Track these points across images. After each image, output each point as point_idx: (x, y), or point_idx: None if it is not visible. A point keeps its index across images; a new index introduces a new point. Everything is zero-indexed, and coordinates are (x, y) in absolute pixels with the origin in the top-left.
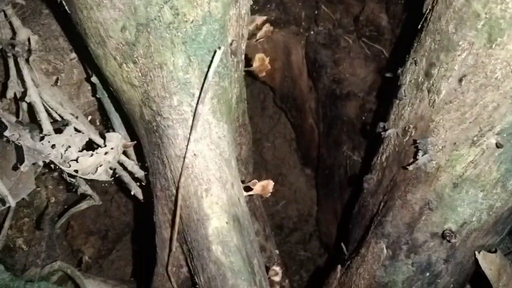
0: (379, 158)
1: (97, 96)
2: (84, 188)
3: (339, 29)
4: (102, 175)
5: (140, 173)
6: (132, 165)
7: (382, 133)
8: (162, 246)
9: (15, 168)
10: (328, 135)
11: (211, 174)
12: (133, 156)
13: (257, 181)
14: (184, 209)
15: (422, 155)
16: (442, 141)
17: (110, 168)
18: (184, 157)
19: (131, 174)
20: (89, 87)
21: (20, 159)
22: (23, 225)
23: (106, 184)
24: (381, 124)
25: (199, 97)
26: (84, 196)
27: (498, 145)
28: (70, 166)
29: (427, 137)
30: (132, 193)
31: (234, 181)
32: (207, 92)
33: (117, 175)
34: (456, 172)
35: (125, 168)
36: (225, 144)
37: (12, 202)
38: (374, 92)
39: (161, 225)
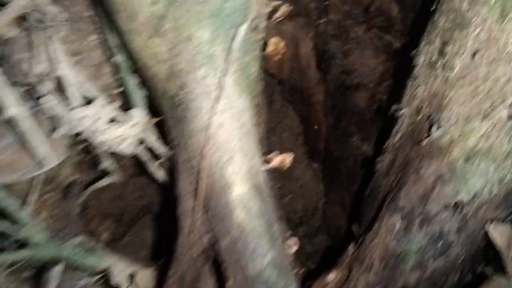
0: (391, 140)
1: (119, 76)
2: (108, 163)
3: (349, 20)
4: (127, 149)
5: (161, 150)
6: (154, 141)
7: (395, 115)
8: (185, 216)
9: (49, 135)
10: (336, 127)
11: (233, 144)
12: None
13: (277, 152)
14: (207, 179)
15: (436, 130)
16: (455, 115)
17: (134, 143)
18: (208, 129)
19: (152, 151)
20: (108, 70)
21: (54, 127)
22: (46, 200)
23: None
24: (394, 107)
25: (223, 70)
26: (103, 175)
27: (509, 117)
28: (98, 137)
29: (440, 113)
30: (159, 152)
31: (254, 153)
32: (231, 65)
33: (142, 146)
34: (468, 146)
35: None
36: (246, 117)
37: (50, 161)
38: (384, 83)
39: (183, 195)
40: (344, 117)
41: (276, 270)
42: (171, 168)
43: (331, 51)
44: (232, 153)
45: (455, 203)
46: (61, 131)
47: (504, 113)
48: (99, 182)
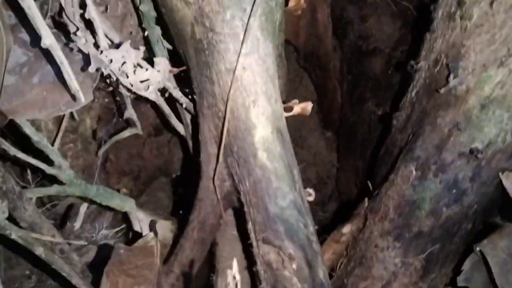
0: (408, 95)
1: (143, 26)
2: (131, 112)
3: None
4: (152, 94)
5: (185, 100)
6: (177, 91)
7: (413, 69)
8: (208, 161)
9: (83, 69)
10: (352, 93)
11: (258, 87)
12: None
13: (297, 101)
14: (232, 121)
15: (453, 79)
16: (472, 64)
17: (158, 90)
18: (234, 70)
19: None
20: (132, 22)
21: (86, 63)
22: (68, 150)
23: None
24: (412, 62)
25: (250, 12)
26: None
27: None
28: (127, 77)
29: (458, 62)
30: (184, 106)
31: (277, 98)
32: (257, 8)
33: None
34: (484, 94)
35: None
36: (270, 62)
37: (82, 97)
38: (400, 48)
39: (206, 141)
40: (359, 83)
41: (296, 211)
42: (192, 119)
43: (348, 17)
44: (257, 96)
45: (470, 150)
46: (95, 66)
47: None
48: (121, 133)
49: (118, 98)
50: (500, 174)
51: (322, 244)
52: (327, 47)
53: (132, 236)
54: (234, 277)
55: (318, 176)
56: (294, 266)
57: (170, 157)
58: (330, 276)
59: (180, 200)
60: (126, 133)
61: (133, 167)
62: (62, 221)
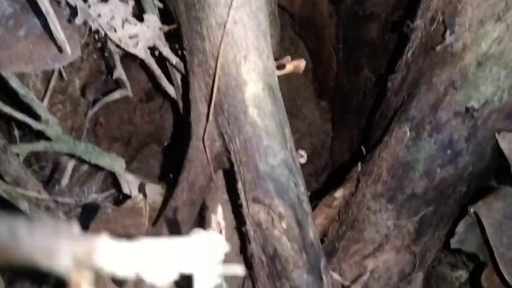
0: (404, 57)
1: None
2: (120, 71)
3: None
4: (142, 52)
5: (175, 59)
6: (167, 49)
7: (409, 28)
8: (198, 120)
9: (69, 21)
10: (348, 60)
11: (249, 42)
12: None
13: (290, 58)
14: (222, 78)
15: (449, 35)
16: (469, 19)
17: (148, 48)
18: (225, 24)
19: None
20: None
21: (73, 15)
22: (57, 111)
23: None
24: (408, 22)
25: None
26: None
27: None
28: (116, 32)
29: (454, 18)
30: (173, 63)
31: (269, 54)
32: None
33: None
34: (481, 50)
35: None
36: (262, 16)
37: (69, 49)
38: (397, 12)
39: (197, 100)
40: (355, 49)
41: (287, 170)
42: (183, 80)
43: None
44: (248, 51)
45: (466, 108)
46: (82, 18)
47: None
48: (111, 94)
49: (108, 58)
50: (496, 134)
51: (314, 209)
52: (322, 13)
53: (121, 199)
54: (219, 223)
55: (312, 146)
56: (284, 225)
57: (161, 123)
58: (322, 242)
59: (171, 167)
60: (116, 95)
61: (124, 132)
62: (49, 179)
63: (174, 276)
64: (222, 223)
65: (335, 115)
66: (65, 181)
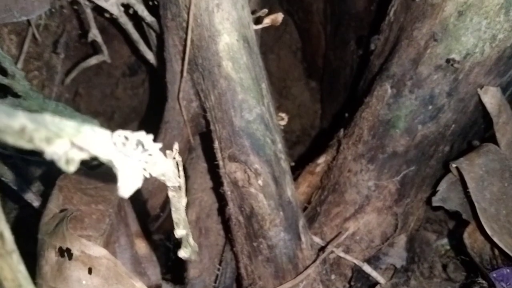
0: (386, 18)
1: None
2: (94, 32)
3: None
4: (113, 7)
5: (150, 18)
6: (142, 8)
7: None
8: (173, 79)
9: None
10: (335, 34)
11: None
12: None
13: (267, 10)
14: (196, 29)
15: None
16: None
17: (122, 6)
18: None
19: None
20: None
21: None
22: (33, 78)
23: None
24: None
25: None
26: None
27: None
28: None
29: None
30: (147, 20)
31: (244, 4)
32: None
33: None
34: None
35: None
36: None
37: (34, 9)
38: None
39: (171, 58)
40: (342, 22)
41: (263, 125)
42: (159, 38)
43: None
44: None
45: (447, 60)
46: None
47: None
48: (88, 60)
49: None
50: (478, 89)
51: (297, 178)
52: None
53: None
54: (174, 158)
55: (302, 127)
56: (260, 182)
57: (145, 98)
58: (305, 209)
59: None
60: (93, 60)
61: (107, 107)
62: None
63: (80, 156)
64: (178, 158)
65: (324, 94)
66: None
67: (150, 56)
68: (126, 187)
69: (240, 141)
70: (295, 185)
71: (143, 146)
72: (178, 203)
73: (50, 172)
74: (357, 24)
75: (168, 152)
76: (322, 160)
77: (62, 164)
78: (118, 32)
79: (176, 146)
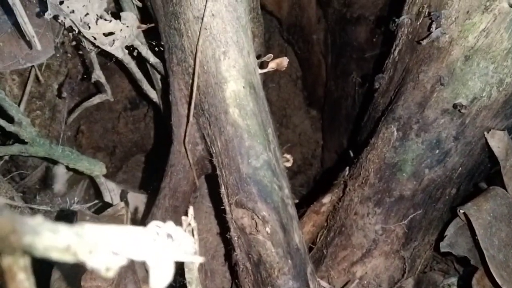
0: (391, 56)
1: None
2: (98, 73)
3: None
4: (118, 51)
5: (154, 59)
6: (146, 50)
7: (395, 24)
8: (179, 123)
9: (39, 15)
10: (336, 65)
11: (228, 36)
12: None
13: (272, 55)
14: (202, 76)
15: (436, 28)
16: (455, 11)
17: (126, 48)
18: (203, 17)
19: (146, 60)
20: None
21: (43, 10)
22: (35, 118)
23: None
24: (393, 19)
25: None
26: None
27: (510, 6)
28: (89, 28)
29: (440, 10)
30: (151, 62)
31: (250, 50)
32: None
33: (134, 51)
34: (468, 43)
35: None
36: (242, 10)
37: (38, 44)
38: (385, 15)
39: (177, 102)
40: (344, 53)
41: (270, 172)
42: (163, 82)
43: None
44: (227, 46)
45: (454, 105)
46: (52, 13)
47: (504, 3)
48: (91, 99)
49: (86, 61)
50: (485, 133)
51: (301, 216)
52: (310, 18)
53: (102, 208)
54: (189, 224)
55: (303, 156)
56: (267, 229)
57: (147, 132)
58: (310, 249)
59: (156, 176)
60: (96, 99)
61: (108, 142)
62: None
63: (118, 262)
64: (194, 224)
65: (325, 124)
66: (59, 186)
67: (153, 95)
68: (159, 282)
69: (247, 188)
70: (300, 225)
71: (172, 238)
72: (192, 264)
73: None
74: (359, 56)
75: (183, 218)
76: (327, 199)
77: (103, 272)
78: (119, 66)
79: (191, 211)
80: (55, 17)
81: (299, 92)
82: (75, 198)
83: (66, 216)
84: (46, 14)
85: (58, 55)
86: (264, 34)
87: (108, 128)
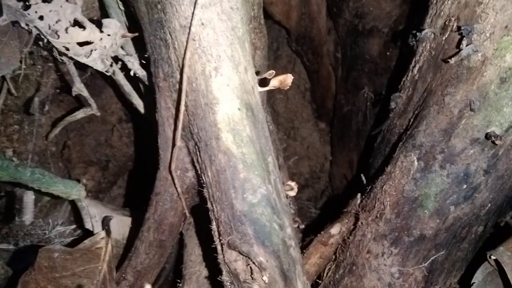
0: (409, 73)
1: None
2: (79, 87)
3: None
4: (97, 63)
5: (141, 72)
6: (133, 61)
7: (415, 39)
8: (165, 146)
9: None
10: (347, 78)
11: (221, 50)
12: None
13: (274, 72)
14: (190, 94)
15: (466, 45)
16: (491, 26)
17: (108, 59)
18: (190, 26)
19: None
20: None
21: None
22: (13, 133)
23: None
24: (414, 32)
25: None
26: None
27: None
28: (58, 37)
29: (472, 24)
30: (132, 73)
31: (247, 66)
32: None
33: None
34: (505, 64)
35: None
36: (238, 19)
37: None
38: (400, 27)
39: (164, 122)
40: (355, 67)
41: (269, 208)
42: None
43: None
44: (220, 61)
45: (486, 135)
46: (8, 18)
47: None
48: (74, 113)
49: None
50: None
51: (308, 246)
52: (320, 28)
53: (83, 235)
54: None
55: (311, 170)
56: (265, 278)
57: (141, 145)
58: (317, 285)
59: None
60: (80, 114)
61: (101, 156)
62: (7, 214)
63: None
64: None
65: (334, 138)
66: (28, 216)
67: (143, 109)
68: None
69: (241, 228)
70: (306, 256)
71: None
72: None
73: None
74: (371, 70)
75: None
76: (336, 230)
77: None
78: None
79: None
80: (14, 23)
81: (307, 104)
82: (59, 220)
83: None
84: (0, 19)
85: (38, 65)
86: (269, 46)
87: (100, 141)
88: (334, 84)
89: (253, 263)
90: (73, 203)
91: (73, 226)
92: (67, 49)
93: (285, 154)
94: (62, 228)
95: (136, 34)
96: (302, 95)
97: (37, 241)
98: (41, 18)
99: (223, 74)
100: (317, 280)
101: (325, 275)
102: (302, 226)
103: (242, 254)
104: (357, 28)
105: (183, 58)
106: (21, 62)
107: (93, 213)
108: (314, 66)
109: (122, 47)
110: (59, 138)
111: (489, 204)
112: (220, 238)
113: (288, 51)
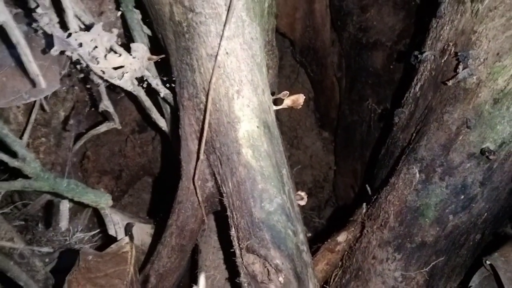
0: (412, 90)
1: (121, 9)
2: (106, 103)
3: None
4: (128, 83)
5: (164, 91)
6: (157, 81)
7: (417, 60)
8: (188, 159)
9: (44, 52)
10: (351, 89)
11: (243, 75)
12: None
13: (288, 92)
14: (214, 114)
15: (463, 69)
16: (484, 52)
17: (136, 79)
18: (216, 55)
19: (156, 92)
20: (110, 6)
21: (49, 45)
22: (40, 145)
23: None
24: (415, 53)
25: None
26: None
27: None
28: (98, 63)
29: (468, 50)
30: (162, 95)
31: (265, 88)
32: None
33: (144, 82)
34: (498, 86)
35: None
36: (257, 48)
37: (43, 83)
38: (403, 41)
39: (187, 137)
40: (359, 79)
41: (284, 216)
42: (173, 113)
43: (347, 7)
44: (241, 85)
45: (481, 150)
46: (58, 48)
47: None
48: (98, 127)
49: (93, 89)
50: None
51: (315, 253)
52: (324, 41)
53: (106, 241)
54: None
55: (314, 179)
56: (281, 278)
57: (154, 155)
58: None
59: (163, 201)
60: (103, 128)
61: (115, 165)
62: (38, 222)
63: None
64: None
65: (338, 148)
66: (64, 223)
67: (162, 124)
68: None
69: (259, 234)
70: (314, 262)
71: None
72: None
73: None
74: (375, 82)
75: None
76: (342, 238)
77: None
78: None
79: (202, 279)
80: (62, 52)
81: (311, 113)
82: (79, 226)
83: (69, 256)
84: (52, 50)
85: (65, 81)
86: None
87: (115, 151)
88: (338, 94)
89: (270, 265)
90: (95, 211)
91: (92, 233)
92: (103, 72)
93: (289, 163)
94: (81, 234)
95: (162, 56)
96: (305, 104)
97: (58, 247)
98: (80, 45)
99: (244, 96)
100: (324, 286)
101: (332, 280)
102: (309, 234)
103: (259, 257)
104: (361, 41)
105: (209, 82)
106: None
107: (116, 220)
108: (318, 76)
109: (146, 68)
110: (79, 149)
111: (486, 214)
112: (239, 243)
113: (292, 61)
